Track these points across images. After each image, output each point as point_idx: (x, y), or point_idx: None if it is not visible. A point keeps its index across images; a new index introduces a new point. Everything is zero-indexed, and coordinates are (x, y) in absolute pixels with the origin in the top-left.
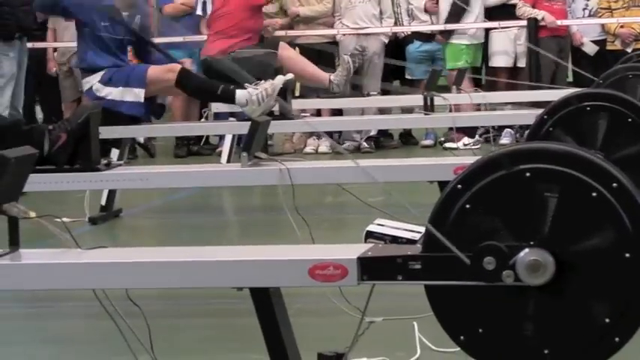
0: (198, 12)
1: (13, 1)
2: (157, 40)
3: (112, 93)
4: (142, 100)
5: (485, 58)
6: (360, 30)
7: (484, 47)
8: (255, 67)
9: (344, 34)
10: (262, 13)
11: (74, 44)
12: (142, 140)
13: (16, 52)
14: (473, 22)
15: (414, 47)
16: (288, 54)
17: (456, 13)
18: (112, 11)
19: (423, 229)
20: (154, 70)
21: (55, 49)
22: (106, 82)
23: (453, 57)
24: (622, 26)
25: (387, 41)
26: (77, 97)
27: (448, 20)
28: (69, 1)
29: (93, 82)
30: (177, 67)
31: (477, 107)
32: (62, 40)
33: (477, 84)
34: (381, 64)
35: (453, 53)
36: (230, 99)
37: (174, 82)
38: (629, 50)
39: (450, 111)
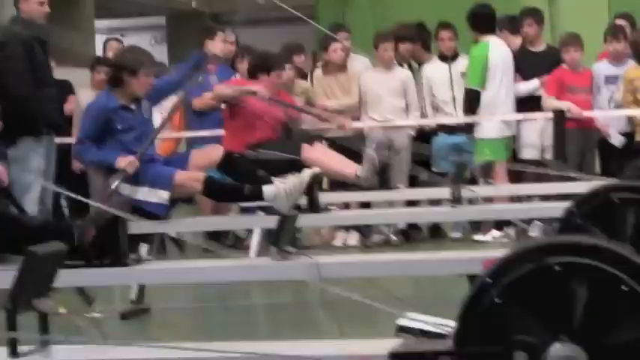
0: (223, 106)
1: (41, 97)
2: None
3: (138, 192)
4: (166, 202)
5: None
6: (386, 123)
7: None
8: (282, 162)
9: (370, 127)
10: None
11: None
12: (173, 234)
13: (45, 147)
14: (496, 115)
15: (440, 140)
16: (312, 156)
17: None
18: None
19: (452, 324)
20: (180, 177)
21: None
22: (131, 181)
23: (477, 151)
24: None
25: (414, 134)
26: (108, 193)
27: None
28: (90, 149)
29: (118, 182)
30: (202, 176)
31: (509, 199)
32: None
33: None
34: (408, 157)
35: (478, 147)
36: (258, 197)
37: (199, 191)
38: None
39: (478, 203)
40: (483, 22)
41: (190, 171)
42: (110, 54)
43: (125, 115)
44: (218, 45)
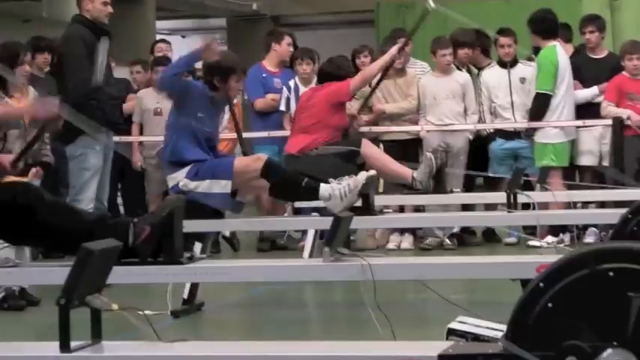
0: (282, 108)
1: (101, 96)
2: (245, 135)
3: (200, 186)
4: (229, 191)
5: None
6: (443, 127)
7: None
8: (338, 164)
9: (428, 131)
10: (345, 110)
11: (160, 138)
12: (227, 234)
13: (103, 145)
14: (556, 121)
15: (497, 145)
16: (371, 151)
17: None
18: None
19: (504, 328)
20: (240, 161)
21: (140, 143)
22: (193, 176)
23: (539, 155)
24: None
25: (471, 137)
26: (163, 190)
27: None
28: (180, 86)
29: (180, 177)
30: (264, 156)
31: (567, 205)
32: (150, 134)
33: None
34: (464, 161)
35: (539, 151)
36: (313, 193)
37: (259, 171)
38: None
39: (534, 209)
40: (547, 27)
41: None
42: (158, 54)
43: (208, 104)
44: (285, 48)
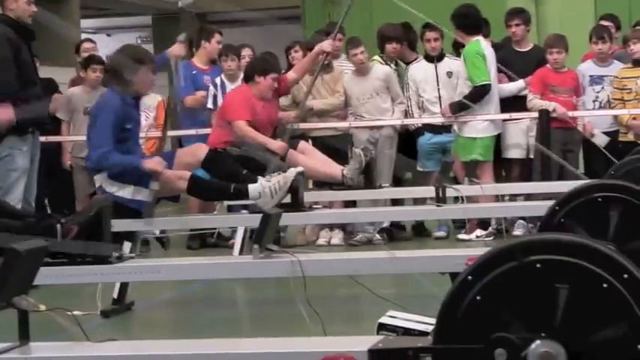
0: (209, 105)
1: (28, 96)
2: (172, 133)
3: (123, 190)
4: (149, 200)
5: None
6: (371, 122)
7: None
8: (267, 158)
9: (356, 127)
10: (277, 106)
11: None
12: (157, 232)
13: (29, 146)
14: (485, 114)
15: (425, 139)
16: (297, 160)
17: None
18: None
19: (434, 321)
20: (165, 175)
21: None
22: (115, 178)
23: (466, 150)
24: (634, 118)
25: (398, 128)
26: (92, 191)
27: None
28: (112, 155)
29: (103, 179)
30: (188, 174)
31: (495, 199)
32: (79, 133)
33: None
34: (392, 156)
35: (466, 146)
36: (244, 195)
37: (185, 190)
38: None
39: (462, 202)
40: (470, 22)
41: (176, 170)
42: (84, 54)
43: (132, 113)
44: (214, 46)
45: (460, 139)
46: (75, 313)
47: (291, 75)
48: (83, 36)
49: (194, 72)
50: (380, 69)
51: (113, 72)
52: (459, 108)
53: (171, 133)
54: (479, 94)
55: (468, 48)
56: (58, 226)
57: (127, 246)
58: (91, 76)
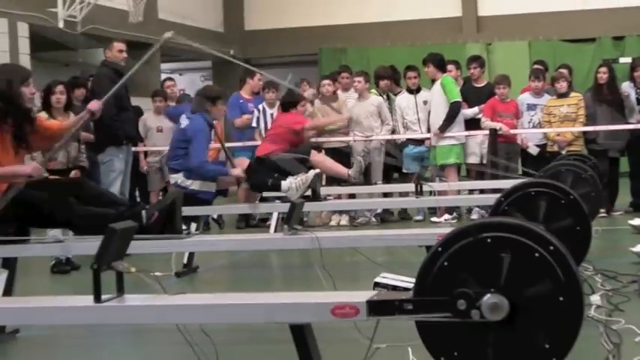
0: (254, 125)
1: (122, 117)
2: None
3: (194, 184)
4: (214, 190)
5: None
6: (366, 138)
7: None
8: (294, 165)
9: (355, 140)
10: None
11: (163, 148)
12: (215, 216)
13: (124, 153)
14: (455, 131)
15: (409, 149)
16: (317, 158)
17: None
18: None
19: (414, 280)
20: (228, 179)
21: (146, 152)
22: (189, 176)
23: (444, 155)
24: (558, 135)
25: (384, 143)
26: (162, 186)
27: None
28: (208, 165)
29: (179, 178)
30: (240, 171)
31: (457, 192)
32: (154, 145)
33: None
34: (381, 161)
35: (445, 152)
36: (278, 188)
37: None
38: (563, 152)
39: (434, 195)
40: (440, 62)
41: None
42: (167, 90)
43: (210, 135)
44: (256, 82)
45: (439, 148)
46: (156, 273)
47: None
48: (163, 76)
49: (241, 101)
50: (375, 98)
51: (201, 103)
52: (444, 128)
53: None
54: (455, 109)
55: (445, 79)
56: (143, 212)
57: (193, 226)
58: (158, 105)
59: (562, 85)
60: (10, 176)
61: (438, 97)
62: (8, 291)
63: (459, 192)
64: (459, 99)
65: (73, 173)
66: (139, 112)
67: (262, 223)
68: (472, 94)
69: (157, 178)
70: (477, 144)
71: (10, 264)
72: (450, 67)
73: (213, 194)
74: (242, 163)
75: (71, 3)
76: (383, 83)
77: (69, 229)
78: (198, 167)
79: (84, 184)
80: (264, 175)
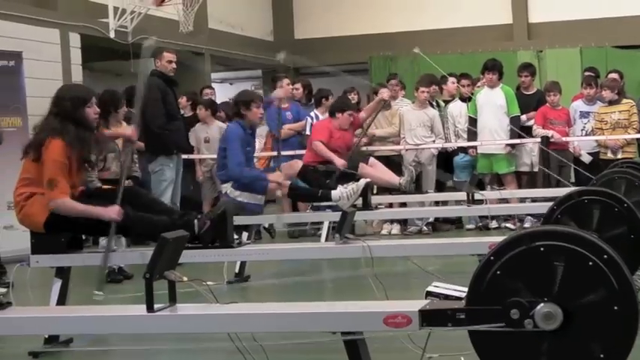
0: (307, 132)
1: (172, 127)
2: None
3: (242, 195)
4: (262, 202)
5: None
6: (417, 147)
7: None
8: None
9: (407, 149)
10: (352, 135)
11: (214, 156)
12: (266, 225)
13: (175, 163)
14: (500, 140)
15: (459, 158)
16: (366, 171)
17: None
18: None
19: (467, 289)
20: (272, 185)
21: (200, 161)
22: (237, 187)
23: (499, 165)
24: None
25: (436, 153)
26: (215, 195)
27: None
28: (242, 169)
29: (228, 188)
30: (287, 183)
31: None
32: (205, 154)
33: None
34: (433, 169)
35: (499, 161)
36: (328, 198)
37: (286, 194)
38: (618, 155)
39: (486, 204)
40: (501, 71)
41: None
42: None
43: (249, 139)
44: (284, 88)
45: (494, 157)
46: (208, 283)
47: (361, 115)
48: (214, 85)
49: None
50: (431, 110)
51: (236, 109)
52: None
53: (272, 153)
54: (516, 122)
55: (508, 89)
56: (195, 220)
57: (245, 235)
58: (202, 114)
59: (608, 94)
60: (89, 216)
61: (498, 101)
62: (62, 300)
63: (523, 200)
64: (519, 114)
65: (126, 183)
66: (192, 121)
67: (313, 231)
68: (521, 102)
69: (209, 186)
70: (527, 152)
71: (63, 273)
72: (463, 81)
73: (261, 206)
74: (294, 165)
75: (122, 13)
76: (432, 90)
77: (123, 235)
78: (235, 175)
79: (137, 193)
80: (312, 185)
